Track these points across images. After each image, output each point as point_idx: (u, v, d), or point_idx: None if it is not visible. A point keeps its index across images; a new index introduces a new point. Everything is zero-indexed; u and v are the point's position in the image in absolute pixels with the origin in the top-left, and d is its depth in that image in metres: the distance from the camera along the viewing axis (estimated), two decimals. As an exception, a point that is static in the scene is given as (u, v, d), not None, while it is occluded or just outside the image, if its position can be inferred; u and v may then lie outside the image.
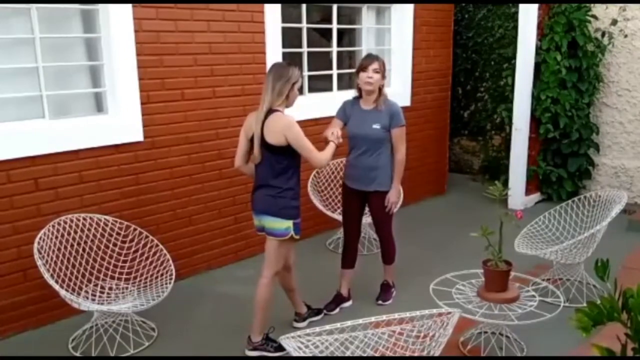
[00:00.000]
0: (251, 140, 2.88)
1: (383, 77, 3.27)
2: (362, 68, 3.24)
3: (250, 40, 4.15)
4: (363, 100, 3.34)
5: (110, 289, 3.34)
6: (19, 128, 3.19)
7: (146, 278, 3.32)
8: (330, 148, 2.97)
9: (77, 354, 3.04)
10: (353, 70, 5.27)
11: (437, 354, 2.20)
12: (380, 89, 3.28)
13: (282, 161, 2.83)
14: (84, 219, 3.32)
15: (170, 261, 3.30)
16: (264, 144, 2.80)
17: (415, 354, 2.12)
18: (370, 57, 3.28)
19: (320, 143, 3.05)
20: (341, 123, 3.35)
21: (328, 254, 4.44)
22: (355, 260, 3.59)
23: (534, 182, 5.79)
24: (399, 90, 5.50)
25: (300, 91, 3.05)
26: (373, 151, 3.29)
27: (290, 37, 4.55)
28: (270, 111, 2.80)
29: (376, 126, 3.25)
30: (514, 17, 5.87)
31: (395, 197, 3.38)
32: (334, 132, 3.05)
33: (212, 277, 4.07)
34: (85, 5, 3.43)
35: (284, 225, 2.87)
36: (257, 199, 2.93)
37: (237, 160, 3.00)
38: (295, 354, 2.10)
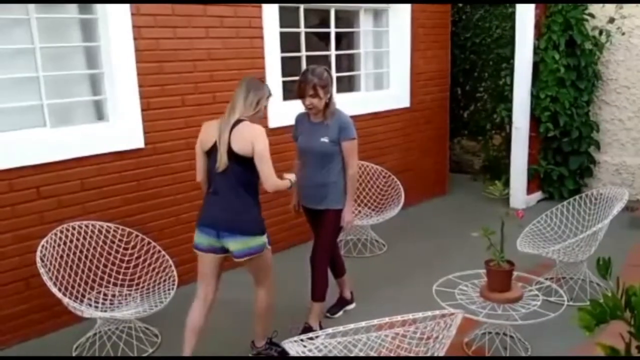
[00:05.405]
0: (207, 152, 2.67)
1: (326, 93, 3.01)
2: (299, 96, 3.04)
3: (249, 46, 4.16)
4: (312, 115, 3.15)
5: (113, 295, 3.34)
6: (21, 137, 3.21)
7: (149, 284, 3.33)
8: (285, 182, 2.79)
9: (82, 362, 3.04)
10: (352, 73, 5.34)
11: (440, 355, 2.20)
12: (328, 102, 3.06)
13: (247, 172, 2.63)
14: (86, 226, 3.33)
15: (173, 267, 3.30)
16: (230, 153, 2.59)
17: (419, 356, 2.12)
18: (305, 81, 2.98)
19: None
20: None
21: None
22: (342, 268, 3.49)
23: (535, 180, 5.79)
24: (398, 92, 5.52)
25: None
26: (322, 167, 3.09)
27: (288, 42, 4.56)
28: (238, 121, 2.63)
29: (324, 139, 3.05)
30: (512, 17, 5.88)
31: (349, 215, 3.16)
32: (293, 176, 2.90)
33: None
34: (85, 15, 3.45)
35: (262, 240, 2.69)
36: (219, 217, 2.65)
37: (198, 174, 2.77)
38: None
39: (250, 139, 2.58)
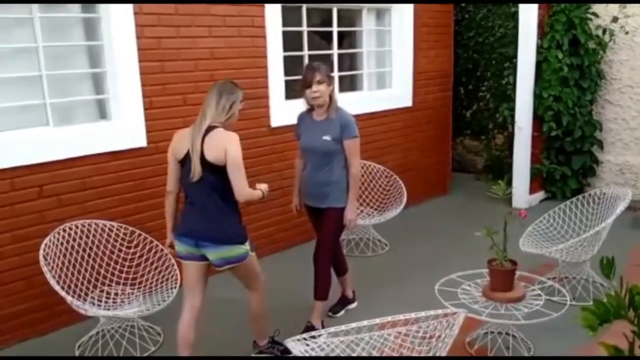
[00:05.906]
0: (180, 161, 2.59)
1: (329, 84, 3.04)
2: (306, 85, 3.02)
3: (251, 45, 4.16)
4: (315, 112, 3.13)
5: (116, 294, 3.35)
6: (23, 136, 3.21)
7: (151, 283, 3.33)
8: (257, 193, 2.68)
9: (84, 360, 3.04)
10: (355, 73, 5.34)
11: (443, 354, 2.20)
12: (331, 97, 3.07)
13: (223, 181, 2.53)
14: (89, 225, 3.34)
15: (175, 266, 3.31)
16: (203, 162, 2.50)
17: (422, 355, 2.12)
18: (311, 70, 3.02)
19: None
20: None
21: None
22: (344, 267, 3.49)
23: (538, 180, 5.78)
24: (400, 91, 5.51)
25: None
26: (324, 165, 3.09)
27: (291, 41, 4.56)
28: (210, 127, 2.53)
29: (326, 137, 3.03)
30: (514, 17, 5.88)
31: (352, 214, 3.13)
32: (266, 187, 2.78)
33: (217, 282, 4.06)
34: (87, 14, 3.46)
35: (243, 249, 2.62)
36: (196, 227, 2.58)
37: (169, 184, 2.68)
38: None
39: (224, 147, 2.49)
